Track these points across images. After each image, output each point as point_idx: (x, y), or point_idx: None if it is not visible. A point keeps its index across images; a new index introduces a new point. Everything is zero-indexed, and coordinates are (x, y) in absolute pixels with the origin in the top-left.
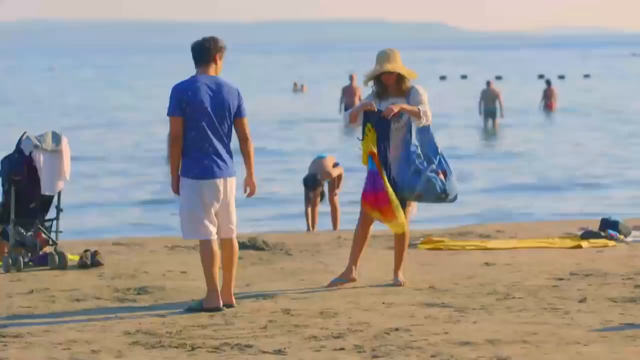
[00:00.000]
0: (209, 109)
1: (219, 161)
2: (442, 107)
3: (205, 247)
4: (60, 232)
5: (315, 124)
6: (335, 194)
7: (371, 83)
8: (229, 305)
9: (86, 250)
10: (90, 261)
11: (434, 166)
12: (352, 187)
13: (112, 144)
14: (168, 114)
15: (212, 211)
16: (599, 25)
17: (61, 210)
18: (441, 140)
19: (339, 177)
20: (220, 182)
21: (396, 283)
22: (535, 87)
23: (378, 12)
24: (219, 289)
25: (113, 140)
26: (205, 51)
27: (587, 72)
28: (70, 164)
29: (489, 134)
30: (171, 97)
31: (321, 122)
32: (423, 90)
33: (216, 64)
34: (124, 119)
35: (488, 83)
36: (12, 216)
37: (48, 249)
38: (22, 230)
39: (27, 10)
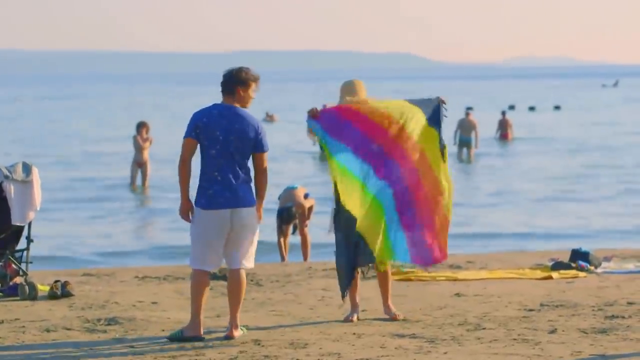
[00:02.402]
0: (221, 138)
1: (226, 191)
2: None
3: (193, 277)
4: (31, 262)
5: (287, 154)
6: (306, 225)
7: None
8: (228, 337)
9: (56, 281)
10: (60, 292)
11: None
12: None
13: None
14: (184, 137)
15: (215, 242)
16: (565, 57)
17: (31, 240)
18: None
19: (310, 208)
20: (226, 212)
21: (392, 316)
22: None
23: (349, 44)
24: (201, 320)
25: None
26: (225, 82)
27: (558, 104)
28: (40, 194)
29: (465, 163)
30: (189, 122)
31: (293, 153)
32: None
33: (240, 94)
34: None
35: (467, 113)
36: None
37: (18, 280)
38: None
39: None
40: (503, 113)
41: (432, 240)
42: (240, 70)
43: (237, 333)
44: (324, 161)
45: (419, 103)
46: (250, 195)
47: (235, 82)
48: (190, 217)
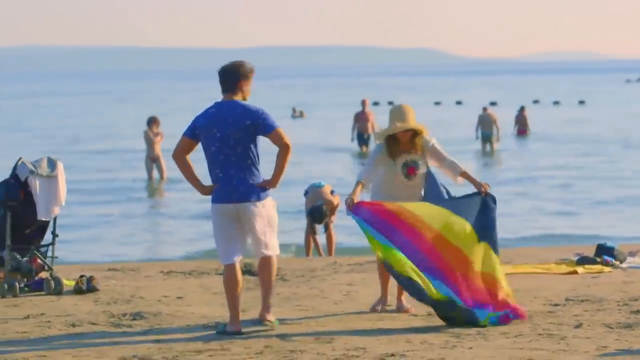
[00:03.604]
0: (218, 135)
1: (228, 188)
2: (441, 134)
3: (225, 272)
4: (56, 257)
5: (317, 150)
6: (332, 221)
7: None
8: (260, 321)
9: (82, 276)
10: (86, 286)
11: None
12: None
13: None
14: (182, 134)
15: (234, 235)
16: (588, 51)
17: (57, 235)
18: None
19: (336, 205)
20: (232, 207)
21: (401, 309)
22: (532, 113)
23: (372, 39)
24: (239, 313)
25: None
26: (226, 79)
27: (582, 98)
28: (65, 189)
29: (488, 156)
30: (191, 122)
31: (323, 149)
32: (436, 141)
33: (242, 89)
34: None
35: (484, 108)
36: (8, 242)
37: (44, 275)
38: (18, 256)
39: (20, 37)
40: (521, 108)
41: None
42: (240, 64)
43: (270, 317)
44: (360, 158)
45: (463, 206)
46: (253, 189)
47: (238, 77)
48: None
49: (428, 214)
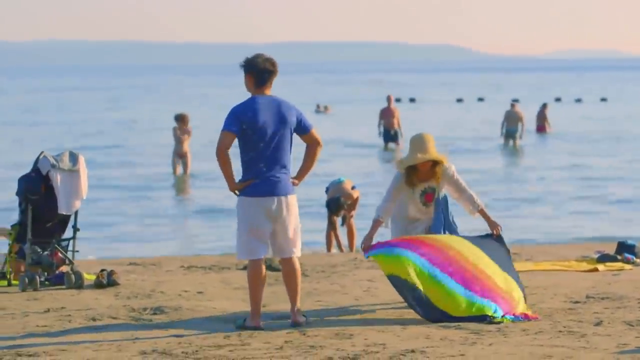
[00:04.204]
0: (268, 130)
1: (273, 180)
2: (461, 131)
3: (250, 267)
4: (77, 251)
5: (342, 146)
6: (352, 216)
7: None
8: (294, 324)
9: (102, 270)
10: (106, 281)
11: None
12: (366, 208)
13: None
14: (223, 129)
15: (265, 232)
16: (611, 49)
17: (78, 229)
18: (464, 164)
19: (356, 199)
20: (272, 200)
21: None
22: (553, 110)
23: (395, 35)
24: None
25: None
26: (269, 74)
27: (604, 96)
28: (87, 183)
29: (511, 152)
30: (229, 116)
31: (348, 144)
32: (455, 170)
33: (271, 83)
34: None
35: (512, 105)
36: (29, 235)
37: (64, 268)
38: (39, 249)
39: (42, 31)
40: (543, 105)
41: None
42: (271, 59)
43: (302, 319)
44: (385, 151)
45: (478, 241)
46: (290, 184)
47: (275, 72)
48: (236, 205)
49: (447, 239)
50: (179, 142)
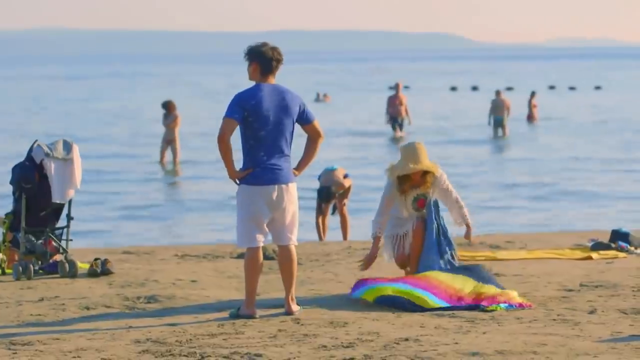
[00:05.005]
0: (271, 119)
1: (274, 168)
2: (454, 120)
3: (247, 255)
4: (71, 240)
5: (342, 134)
6: (344, 204)
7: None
8: (288, 312)
9: (96, 259)
10: (100, 269)
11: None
12: (358, 197)
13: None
14: (225, 116)
15: (263, 218)
16: (608, 38)
17: (72, 218)
18: (452, 153)
19: (349, 188)
20: (274, 188)
21: None
22: (545, 98)
23: (389, 24)
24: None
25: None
26: (267, 62)
27: (599, 84)
28: (81, 172)
29: (499, 141)
30: (232, 103)
31: (348, 133)
32: (447, 178)
33: (276, 72)
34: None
35: (497, 93)
36: (23, 224)
37: (58, 257)
38: (33, 238)
39: (42, 18)
40: (532, 94)
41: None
42: (276, 48)
43: (296, 308)
44: (394, 142)
45: (462, 270)
46: (291, 171)
47: (281, 60)
48: (236, 193)
49: (434, 274)
50: (167, 128)
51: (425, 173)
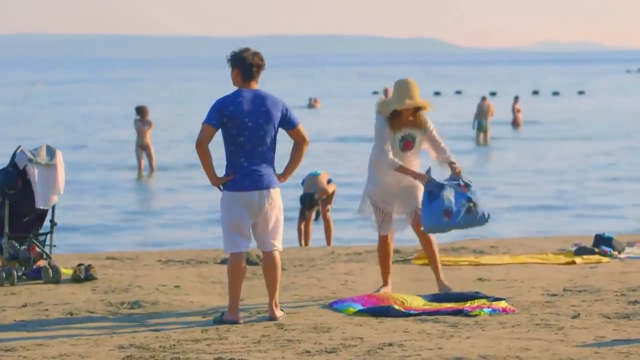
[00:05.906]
0: (250, 124)
1: (254, 174)
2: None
3: (230, 261)
4: (54, 246)
5: (331, 139)
6: (328, 210)
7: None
8: (272, 318)
9: (80, 264)
10: (83, 275)
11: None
12: (342, 203)
13: None
14: (203, 122)
15: (246, 225)
16: (591, 42)
17: (55, 224)
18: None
19: (332, 193)
20: (254, 194)
21: (446, 289)
22: (529, 104)
23: (373, 29)
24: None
25: None
26: (248, 67)
27: (582, 89)
28: (64, 177)
29: (481, 146)
30: (211, 109)
31: (336, 138)
32: (433, 126)
33: (258, 77)
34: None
35: (482, 98)
36: (6, 230)
37: (42, 263)
38: (16, 244)
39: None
40: (515, 99)
41: None
42: (258, 53)
43: (279, 313)
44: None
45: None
46: (274, 177)
47: (262, 66)
48: (220, 201)
49: (418, 300)
50: (140, 134)
51: (416, 111)
